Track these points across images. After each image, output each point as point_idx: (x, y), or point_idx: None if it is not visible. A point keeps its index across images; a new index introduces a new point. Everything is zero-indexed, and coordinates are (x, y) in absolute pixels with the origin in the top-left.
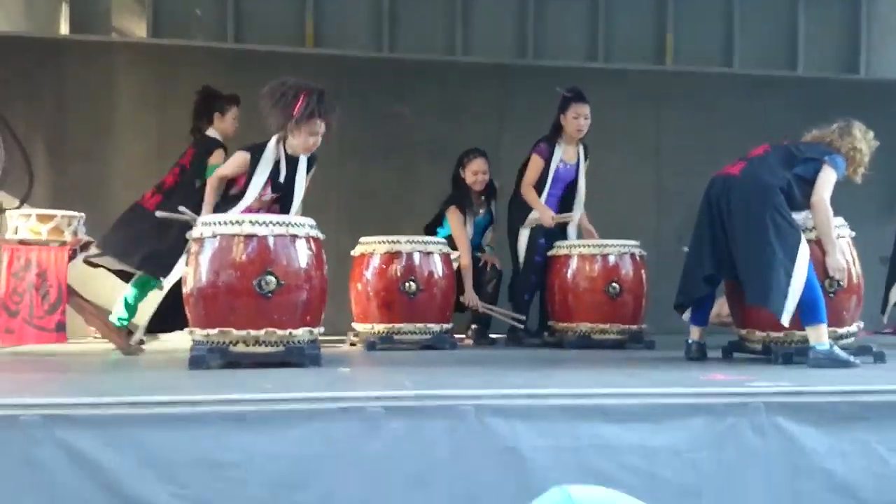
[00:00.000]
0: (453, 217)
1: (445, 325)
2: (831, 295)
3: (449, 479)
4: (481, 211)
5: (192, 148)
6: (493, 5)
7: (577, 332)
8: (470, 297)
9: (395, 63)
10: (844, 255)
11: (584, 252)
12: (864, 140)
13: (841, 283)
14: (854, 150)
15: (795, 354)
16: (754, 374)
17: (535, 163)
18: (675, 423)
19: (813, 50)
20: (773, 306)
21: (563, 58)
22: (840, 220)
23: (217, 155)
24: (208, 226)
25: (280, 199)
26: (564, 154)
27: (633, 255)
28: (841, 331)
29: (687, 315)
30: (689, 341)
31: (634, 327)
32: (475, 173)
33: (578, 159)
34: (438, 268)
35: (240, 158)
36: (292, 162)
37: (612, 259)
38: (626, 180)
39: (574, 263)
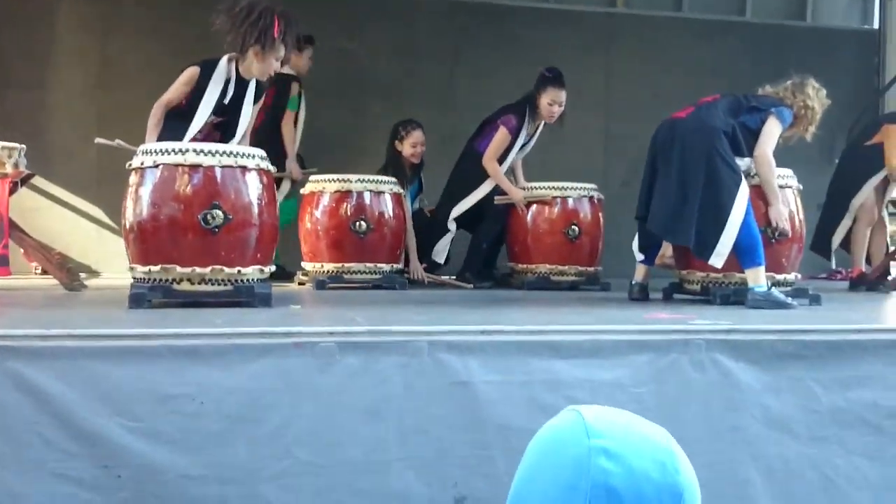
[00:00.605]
0: (503, 134)
1: (396, 265)
2: (772, 241)
3: (401, 412)
4: (413, 182)
5: (271, 87)
6: None
7: (536, 273)
8: (415, 269)
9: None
10: (789, 204)
11: (545, 195)
12: (816, 98)
13: (785, 231)
14: (806, 108)
15: (733, 295)
16: (695, 313)
17: (503, 136)
18: (620, 359)
19: None
20: (697, 248)
21: None
22: (787, 171)
23: (294, 87)
24: (149, 154)
25: (222, 124)
26: (528, 129)
27: (591, 198)
28: (779, 277)
29: (640, 256)
30: (633, 282)
31: (591, 269)
32: (414, 146)
33: (537, 131)
34: (389, 207)
35: (188, 74)
36: (241, 84)
37: (570, 202)
38: (575, 123)
39: (534, 206)
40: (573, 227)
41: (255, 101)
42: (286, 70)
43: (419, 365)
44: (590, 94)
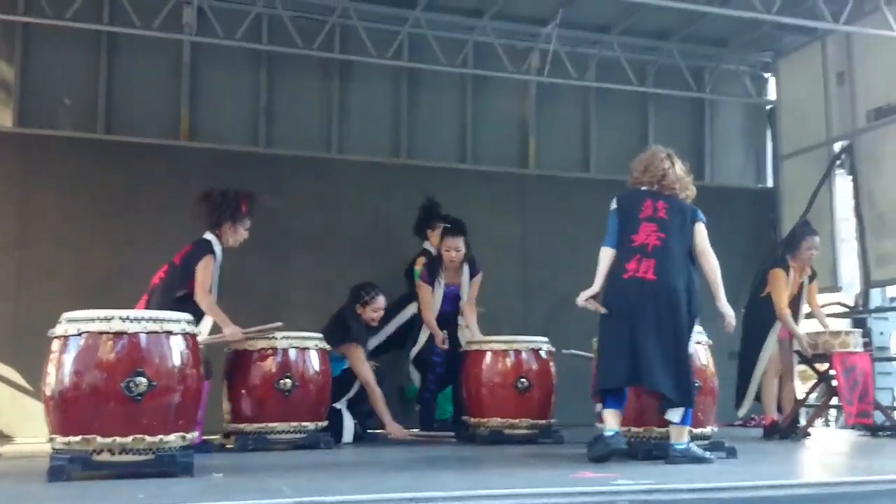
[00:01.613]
0: (358, 353)
1: (320, 423)
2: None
3: None
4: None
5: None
6: (369, 106)
7: (488, 426)
8: (395, 430)
9: (271, 158)
10: (700, 359)
11: (496, 348)
12: (683, 170)
13: (696, 385)
14: (689, 189)
15: (654, 450)
16: (619, 471)
17: (423, 289)
18: None
19: None
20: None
21: (435, 158)
22: (697, 328)
23: (419, 262)
24: (73, 323)
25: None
26: (446, 278)
27: (540, 350)
28: (696, 431)
29: (598, 406)
30: (611, 433)
31: (543, 422)
32: (376, 311)
33: (462, 279)
34: (315, 363)
35: (208, 259)
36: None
37: (523, 355)
38: (493, 275)
39: (486, 359)
40: (522, 379)
41: None
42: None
43: None
44: (507, 246)
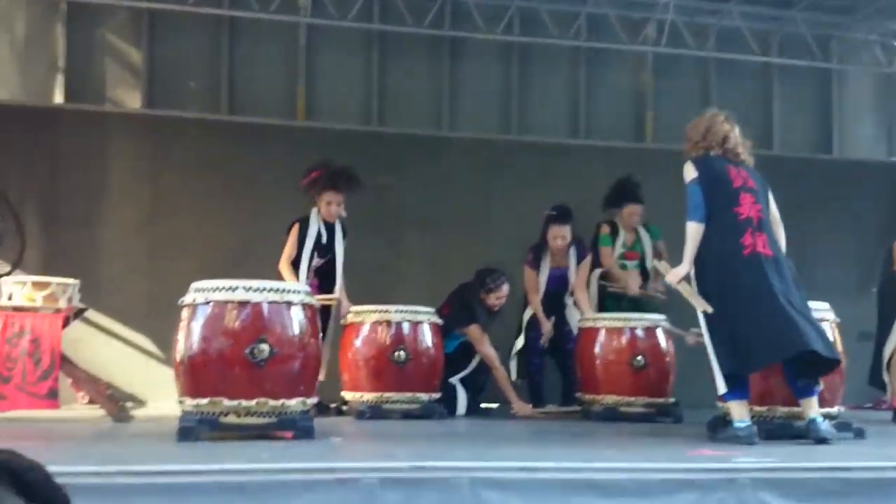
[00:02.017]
0: (481, 336)
1: (433, 395)
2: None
3: None
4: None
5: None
6: (479, 83)
7: (603, 404)
8: (521, 407)
9: (384, 137)
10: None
11: (611, 325)
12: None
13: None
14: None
15: (777, 430)
16: (741, 448)
17: (528, 273)
18: (665, 498)
19: (787, 130)
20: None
21: (547, 133)
22: (824, 305)
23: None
24: (201, 292)
25: (326, 262)
26: (552, 262)
27: (657, 327)
28: (823, 411)
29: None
30: (743, 424)
31: (661, 400)
32: (499, 298)
33: (570, 262)
34: (427, 337)
35: (293, 230)
36: (329, 228)
37: (639, 332)
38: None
39: (601, 336)
40: (638, 357)
41: (344, 237)
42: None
43: (460, 502)
44: None
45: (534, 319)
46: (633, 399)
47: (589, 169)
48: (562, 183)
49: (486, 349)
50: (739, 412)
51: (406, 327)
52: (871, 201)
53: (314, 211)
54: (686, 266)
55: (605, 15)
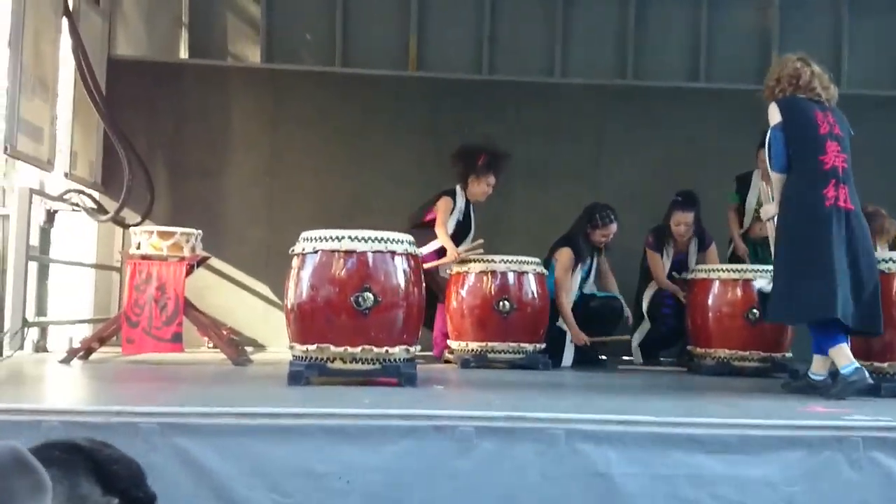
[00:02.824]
0: (565, 257)
1: (539, 345)
2: None
3: (538, 501)
4: (588, 262)
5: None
6: (593, 27)
7: (715, 357)
8: (578, 335)
9: (493, 85)
10: None
11: (725, 277)
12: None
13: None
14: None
15: None
16: (855, 407)
17: (652, 256)
18: (770, 455)
19: None
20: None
21: (664, 78)
22: (894, 255)
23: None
24: (309, 241)
25: (460, 233)
26: (675, 249)
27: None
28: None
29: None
30: (851, 368)
31: (777, 355)
32: (605, 236)
33: (690, 248)
34: (532, 287)
35: (445, 202)
36: (468, 205)
37: (755, 284)
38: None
39: (714, 288)
40: (753, 310)
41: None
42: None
43: (556, 453)
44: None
45: (656, 303)
46: (746, 353)
47: (706, 115)
48: (678, 127)
49: (564, 275)
50: (846, 356)
51: (511, 277)
52: None
53: (458, 188)
54: (775, 206)
55: None
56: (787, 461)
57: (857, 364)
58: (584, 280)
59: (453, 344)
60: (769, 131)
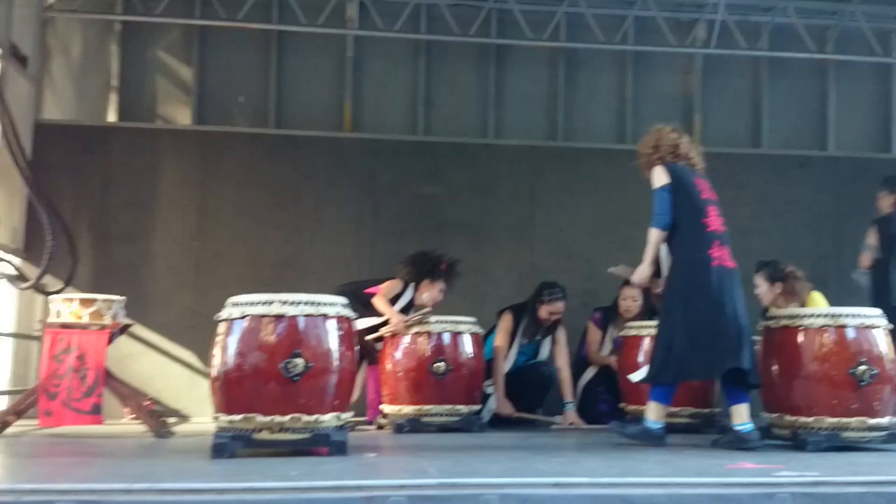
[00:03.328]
0: (506, 322)
1: (474, 407)
2: (861, 384)
3: None
4: (535, 338)
5: None
6: (525, 90)
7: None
8: (502, 404)
9: (429, 146)
10: (879, 346)
11: (655, 333)
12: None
13: (873, 372)
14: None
15: (825, 441)
16: (783, 462)
17: (592, 331)
18: None
19: (843, 129)
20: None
21: (593, 139)
22: (877, 311)
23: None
24: (237, 306)
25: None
26: (619, 329)
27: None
28: (872, 422)
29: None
30: (660, 426)
31: (706, 411)
32: (551, 314)
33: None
34: (468, 348)
35: (396, 284)
36: (411, 303)
37: None
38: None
39: (644, 345)
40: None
41: None
42: None
43: None
44: None
45: (592, 385)
46: (677, 409)
47: (636, 175)
48: (607, 188)
49: (501, 339)
50: (657, 414)
51: (446, 338)
52: None
53: (412, 285)
54: (648, 267)
55: (653, 18)
56: None
57: (663, 424)
58: (534, 354)
59: (387, 408)
60: (655, 192)
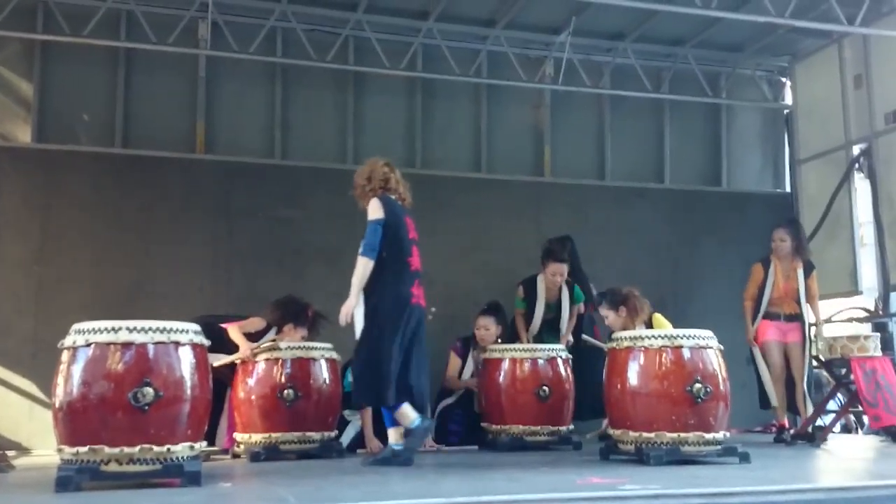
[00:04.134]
0: (454, 358)
1: (328, 434)
2: (698, 401)
3: None
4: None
5: None
6: (383, 117)
7: (510, 433)
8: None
9: (286, 170)
10: (713, 365)
11: (516, 356)
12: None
13: (708, 389)
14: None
15: (666, 455)
16: (628, 476)
17: (453, 360)
18: None
19: (678, 163)
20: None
21: (450, 168)
22: (707, 333)
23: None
24: (81, 334)
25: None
26: (479, 354)
27: (559, 359)
28: (708, 436)
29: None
30: (400, 447)
31: (563, 428)
32: (478, 328)
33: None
34: (321, 374)
35: (258, 322)
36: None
37: (540, 362)
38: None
39: (505, 366)
40: (543, 387)
41: None
42: None
43: None
44: (522, 253)
45: (449, 408)
46: (538, 428)
47: (489, 202)
48: (464, 215)
49: (453, 371)
50: (396, 437)
51: (297, 365)
52: (759, 231)
53: (275, 330)
54: (355, 297)
55: (505, 53)
56: None
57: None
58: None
59: (239, 436)
60: (369, 223)
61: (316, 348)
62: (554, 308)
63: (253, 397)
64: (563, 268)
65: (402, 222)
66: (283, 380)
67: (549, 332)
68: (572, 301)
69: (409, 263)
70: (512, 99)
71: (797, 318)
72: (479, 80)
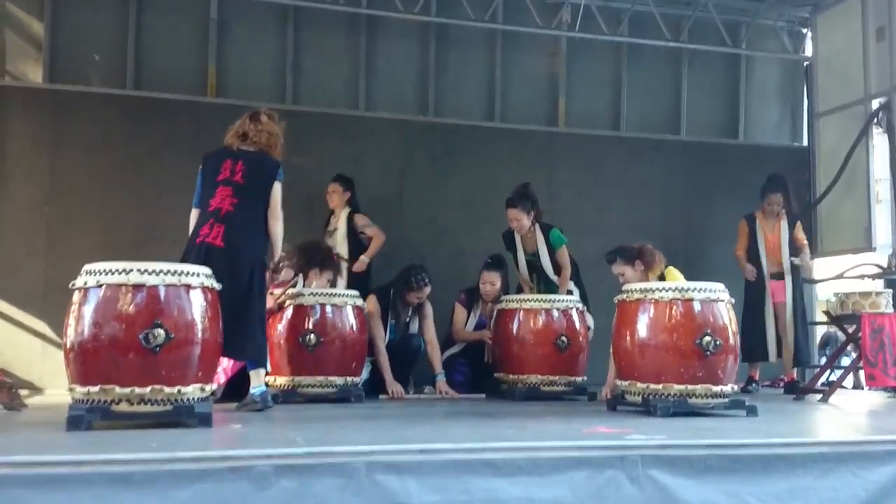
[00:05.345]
0: (370, 305)
1: (352, 378)
2: (706, 354)
3: None
4: (404, 320)
5: None
6: (396, 64)
7: (526, 383)
8: (394, 389)
9: (298, 115)
10: (723, 318)
11: (534, 306)
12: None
13: (717, 343)
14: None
15: (673, 407)
16: (634, 427)
17: (459, 311)
18: (559, 476)
19: (694, 115)
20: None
21: (462, 116)
22: (720, 286)
23: None
24: (93, 275)
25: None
26: (480, 309)
27: (574, 309)
28: (715, 388)
29: None
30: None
31: (578, 379)
32: (419, 298)
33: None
34: (346, 320)
35: (285, 273)
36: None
37: (554, 313)
38: None
39: (521, 316)
40: (562, 337)
41: None
42: None
43: (356, 486)
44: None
45: (453, 357)
46: (556, 378)
47: (501, 153)
48: (476, 165)
49: (372, 321)
50: (257, 381)
51: (318, 311)
52: None
53: (300, 277)
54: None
55: None
56: (574, 481)
57: (264, 388)
58: (405, 330)
59: (269, 379)
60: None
61: (338, 295)
62: (536, 257)
63: (280, 342)
64: (514, 212)
65: (214, 166)
66: (306, 325)
67: (541, 281)
68: (550, 245)
69: (209, 204)
70: (527, 47)
71: (781, 276)
72: (493, 26)
